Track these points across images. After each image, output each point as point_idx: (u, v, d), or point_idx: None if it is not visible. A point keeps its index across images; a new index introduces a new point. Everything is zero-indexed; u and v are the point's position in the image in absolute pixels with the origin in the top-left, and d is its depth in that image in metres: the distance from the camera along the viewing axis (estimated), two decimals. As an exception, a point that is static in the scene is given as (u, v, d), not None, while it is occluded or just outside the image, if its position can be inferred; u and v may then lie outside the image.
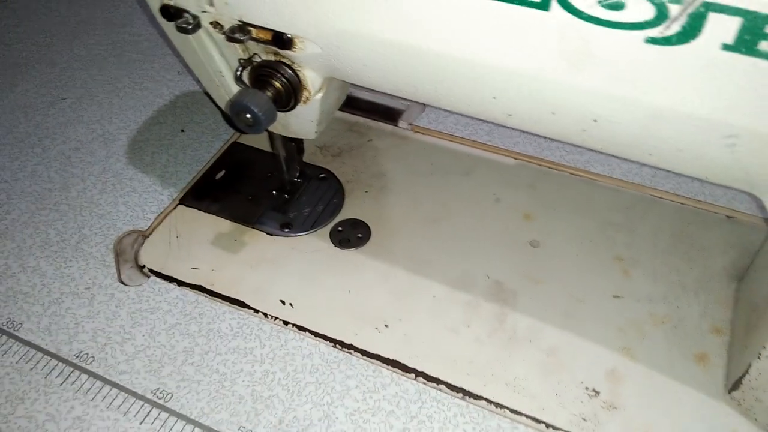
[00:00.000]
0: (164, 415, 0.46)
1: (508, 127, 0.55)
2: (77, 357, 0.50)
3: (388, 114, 0.68)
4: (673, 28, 0.28)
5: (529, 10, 0.30)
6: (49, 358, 0.50)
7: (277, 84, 0.42)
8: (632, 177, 0.62)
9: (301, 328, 0.50)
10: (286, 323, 0.51)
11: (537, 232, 0.57)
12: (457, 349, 0.49)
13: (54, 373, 0.49)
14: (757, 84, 0.28)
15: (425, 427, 0.46)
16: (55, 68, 0.80)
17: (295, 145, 0.58)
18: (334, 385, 0.48)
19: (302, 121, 0.48)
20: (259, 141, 0.66)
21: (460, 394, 0.47)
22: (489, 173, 0.62)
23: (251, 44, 0.43)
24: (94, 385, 0.48)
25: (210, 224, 0.58)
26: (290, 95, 0.43)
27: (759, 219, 0.57)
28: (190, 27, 0.42)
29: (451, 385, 0.47)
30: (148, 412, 0.46)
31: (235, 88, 0.47)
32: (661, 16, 0.28)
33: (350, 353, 0.49)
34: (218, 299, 0.53)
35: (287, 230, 0.57)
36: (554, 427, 0.45)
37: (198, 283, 0.53)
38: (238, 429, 0.45)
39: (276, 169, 0.60)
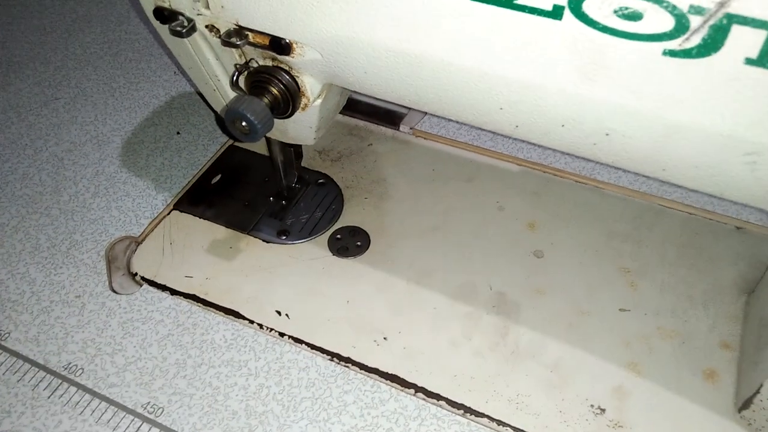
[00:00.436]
0: (155, 430, 0.45)
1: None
2: (66, 369, 0.48)
3: (390, 118, 0.67)
4: (693, 41, 0.26)
5: (540, 18, 0.29)
6: (36, 369, 0.48)
7: (275, 90, 0.41)
8: (639, 185, 0.60)
9: (297, 340, 0.49)
10: (281, 335, 0.49)
11: (541, 242, 0.55)
12: (458, 363, 0.47)
13: (42, 385, 0.47)
14: (781, 100, 0.26)
15: (425, 445, 0.44)
16: (49, 67, 0.78)
17: (293, 149, 0.56)
18: (330, 400, 0.46)
19: (300, 128, 0.47)
20: (256, 145, 0.64)
21: (461, 411, 0.45)
22: (492, 180, 0.61)
23: (248, 49, 0.41)
24: (83, 399, 0.46)
25: (205, 230, 0.57)
26: (288, 102, 0.42)
27: (769, 230, 0.56)
28: (184, 30, 0.40)
29: (451, 401, 0.45)
30: (139, 427, 0.45)
31: (231, 93, 0.46)
32: (681, 28, 0.26)
33: (348, 367, 0.48)
34: (212, 309, 0.51)
35: (284, 237, 0.56)
36: (558, 447, 0.43)
37: (191, 292, 0.52)
38: (232, 446, 0.44)
39: (273, 174, 0.59)
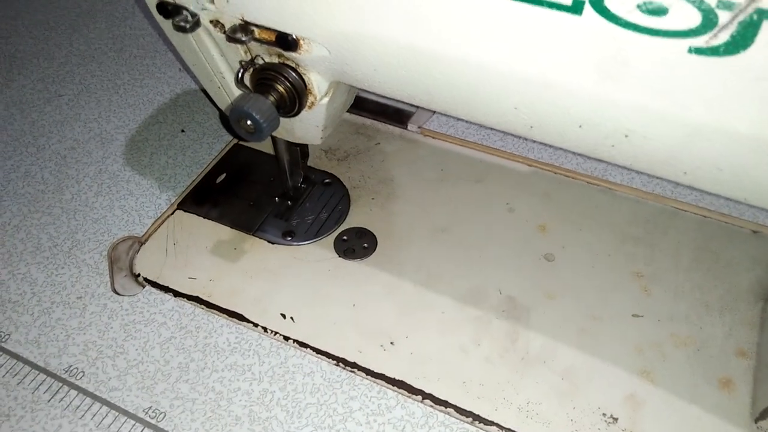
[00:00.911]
0: (157, 435, 0.44)
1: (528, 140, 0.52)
2: (66, 371, 0.47)
3: (397, 116, 0.66)
4: (721, 38, 0.25)
5: (559, 13, 0.27)
6: (37, 372, 0.47)
7: (281, 88, 0.40)
8: (653, 187, 0.59)
9: (302, 344, 0.48)
10: (286, 338, 0.48)
11: (552, 245, 0.54)
12: (467, 369, 0.46)
13: (42, 389, 0.46)
14: (813, 101, 0.25)
15: (432, 453, 0.43)
16: (53, 63, 0.77)
17: (300, 149, 0.55)
18: (336, 406, 0.45)
19: (307, 127, 0.45)
20: (261, 144, 0.63)
21: (470, 419, 0.44)
22: (502, 181, 0.60)
23: (254, 45, 0.40)
24: (83, 402, 0.45)
25: (209, 231, 0.56)
26: (294, 100, 0.40)
27: (787, 234, 0.55)
28: (188, 25, 0.39)
29: (460, 408, 0.44)
30: (140, 432, 0.44)
31: (236, 91, 0.45)
32: (708, 24, 0.25)
33: (354, 372, 0.47)
34: (216, 311, 0.50)
35: (289, 239, 0.55)
36: (570, 458, 0.42)
37: (195, 294, 0.51)
38: (235, 452, 0.43)
39: (279, 173, 0.57)
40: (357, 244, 0.54)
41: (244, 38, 0.38)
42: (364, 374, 0.46)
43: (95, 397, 0.46)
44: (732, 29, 0.25)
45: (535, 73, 0.30)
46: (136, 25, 0.83)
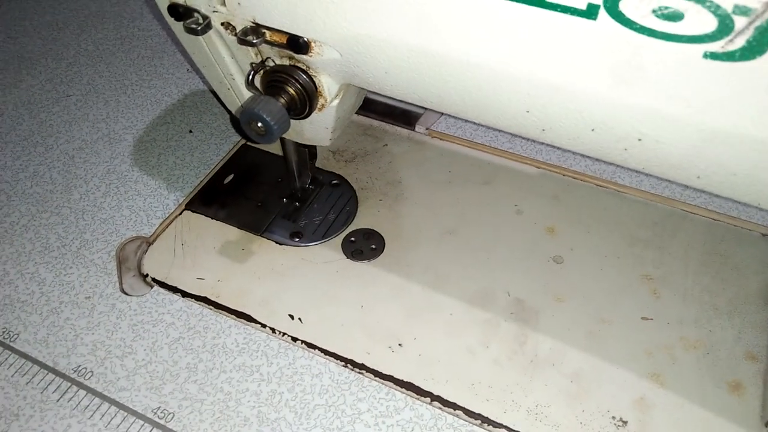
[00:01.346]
0: (165, 436, 0.44)
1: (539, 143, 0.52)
2: (75, 371, 0.47)
3: (405, 118, 0.66)
4: (737, 43, 0.25)
5: (573, 18, 0.27)
6: (45, 371, 0.47)
7: (292, 90, 0.40)
8: (662, 190, 0.59)
9: (310, 346, 0.48)
10: (294, 339, 0.48)
11: (561, 247, 0.54)
12: (476, 371, 0.46)
13: (51, 388, 0.46)
14: (829, 106, 0.25)
15: (441, 456, 0.43)
16: (62, 63, 0.77)
17: (308, 150, 0.55)
18: (344, 408, 0.45)
19: (316, 128, 0.45)
20: (270, 144, 0.63)
21: (479, 421, 0.44)
22: (510, 183, 0.59)
23: (265, 48, 0.40)
24: (92, 402, 0.45)
25: (217, 231, 0.56)
26: (305, 102, 0.40)
27: (796, 238, 0.54)
28: (199, 28, 0.39)
29: (468, 410, 0.44)
30: (149, 433, 0.44)
31: (246, 93, 0.45)
32: (724, 29, 0.25)
33: (362, 374, 0.47)
34: (224, 312, 0.50)
35: (297, 240, 0.55)
36: (579, 461, 0.42)
37: (203, 295, 0.51)
38: (243, 453, 0.43)
39: (287, 174, 0.58)
40: (365, 246, 0.54)
41: (255, 41, 0.38)
42: (372, 376, 0.46)
43: (104, 397, 0.46)
44: (748, 35, 0.25)
45: (548, 77, 0.30)
46: (145, 26, 0.83)
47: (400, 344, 0.48)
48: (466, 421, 0.44)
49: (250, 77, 0.41)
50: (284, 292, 0.51)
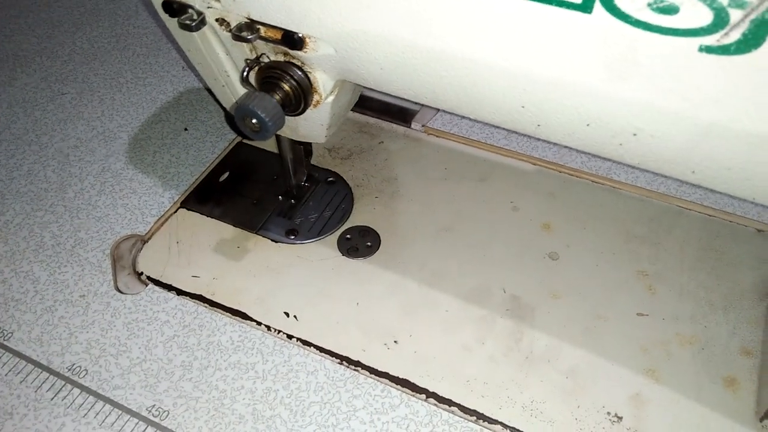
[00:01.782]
0: (160, 434, 0.44)
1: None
2: (69, 370, 0.47)
3: (401, 115, 0.65)
4: (733, 36, 0.25)
5: (568, 11, 0.27)
6: (40, 370, 0.47)
7: (286, 87, 0.39)
8: (657, 186, 0.59)
9: (305, 343, 0.48)
10: (289, 337, 0.48)
11: (556, 244, 0.54)
12: (471, 368, 0.46)
13: (45, 387, 0.46)
14: (823, 99, 0.25)
15: (437, 453, 0.43)
16: (56, 61, 0.77)
17: (303, 147, 0.55)
18: (339, 405, 0.45)
19: (312, 125, 0.45)
20: (265, 142, 0.63)
21: (474, 418, 0.44)
22: (506, 179, 0.59)
23: (259, 44, 0.40)
24: (86, 401, 0.45)
25: (212, 229, 0.56)
26: (300, 99, 0.40)
27: (791, 234, 0.54)
28: (194, 24, 0.39)
29: (464, 407, 0.44)
30: (143, 431, 0.44)
31: (241, 90, 0.45)
32: (720, 22, 0.25)
33: (357, 371, 0.47)
34: (219, 310, 0.50)
35: (293, 237, 0.55)
36: (575, 457, 0.42)
37: (198, 293, 0.51)
38: (239, 451, 0.43)
39: (282, 172, 0.57)
40: (360, 243, 0.54)
41: (249, 36, 0.38)
42: (367, 373, 0.46)
43: (98, 396, 0.46)
44: (743, 28, 0.25)
45: (542, 72, 0.30)
46: (140, 23, 0.83)
47: (395, 341, 0.48)
48: (461, 417, 0.44)
49: (245, 74, 0.41)
50: (279, 289, 0.51)
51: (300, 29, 0.37)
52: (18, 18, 0.84)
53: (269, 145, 0.63)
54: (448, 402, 0.44)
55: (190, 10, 0.39)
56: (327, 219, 0.56)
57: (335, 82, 0.41)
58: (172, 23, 0.41)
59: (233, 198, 0.58)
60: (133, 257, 0.53)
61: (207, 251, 0.54)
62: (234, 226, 0.56)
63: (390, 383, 0.46)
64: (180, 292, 0.51)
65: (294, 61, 0.40)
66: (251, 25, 0.38)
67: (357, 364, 0.46)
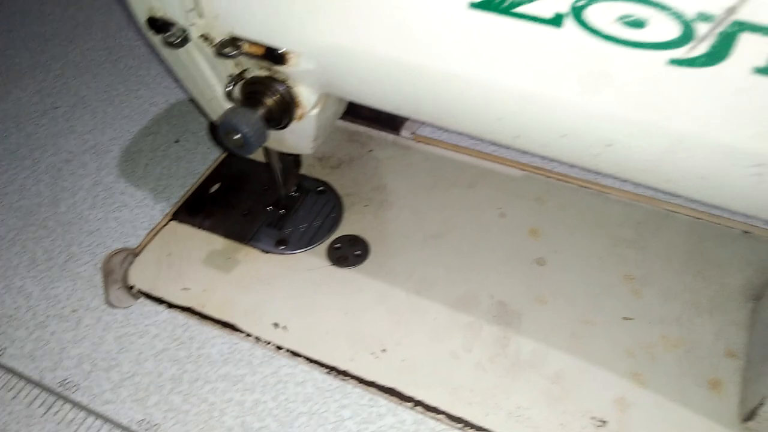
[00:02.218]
0: (151, 447, 0.44)
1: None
2: (61, 385, 0.47)
3: (391, 123, 0.66)
4: (700, 49, 0.25)
5: (539, 26, 0.28)
6: (32, 386, 0.47)
7: (269, 101, 0.40)
8: (644, 190, 0.59)
9: (294, 354, 0.48)
10: (279, 348, 0.48)
11: (544, 249, 0.54)
12: (458, 375, 0.46)
13: (36, 403, 0.46)
14: (790, 110, 0.25)
15: (426, 461, 0.43)
16: (49, 75, 0.78)
17: (293, 157, 0.55)
18: (327, 415, 0.45)
19: (298, 137, 0.46)
20: (256, 152, 0.63)
21: (461, 425, 0.44)
22: (494, 186, 0.60)
23: (243, 59, 0.40)
24: (77, 416, 0.46)
25: (203, 241, 0.56)
26: (283, 113, 0.41)
27: (778, 235, 0.55)
28: (178, 41, 0.39)
29: (450, 415, 0.44)
30: (135, 444, 0.44)
31: (227, 104, 0.45)
32: (687, 36, 0.25)
33: (345, 380, 0.47)
34: (209, 322, 0.50)
35: (283, 247, 0.55)
36: (562, 463, 0.42)
37: (188, 305, 0.51)
38: (229, 463, 0.43)
39: (272, 182, 0.58)
40: (349, 252, 0.55)
41: (233, 53, 0.38)
42: (356, 382, 0.46)
43: (89, 411, 0.46)
44: (711, 41, 0.25)
45: (517, 85, 0.30)
46: (132, 36, 0.84)
47: (383, 350, 0.48)
48: (447, 425, 0.44)
49: (229, 89, 0.42)
50: (269, 300, 0.51)
51: (282, 45, 0.37)
52: (11, 32, 0.85)
53: (259, 155, 0.63)
54: (435, 410, 0.45)
55: (173, 27, 0.39)
56: (317, 228, 0.56)
57: (319, 95, 0.42)
58: (157, 40, 0.42)
59: (224, 209, 0.59)
60: (124, 271, 0.53)
61: (197, 263, 0.54)
62: (225, 237, 0.56)
63: (377, 392, 0.46)
64: (170, 305, 0.52)
65: (277, 75, 0.40)
66: (234, 41, 0.38)
67: (345, 373, 0.47)
